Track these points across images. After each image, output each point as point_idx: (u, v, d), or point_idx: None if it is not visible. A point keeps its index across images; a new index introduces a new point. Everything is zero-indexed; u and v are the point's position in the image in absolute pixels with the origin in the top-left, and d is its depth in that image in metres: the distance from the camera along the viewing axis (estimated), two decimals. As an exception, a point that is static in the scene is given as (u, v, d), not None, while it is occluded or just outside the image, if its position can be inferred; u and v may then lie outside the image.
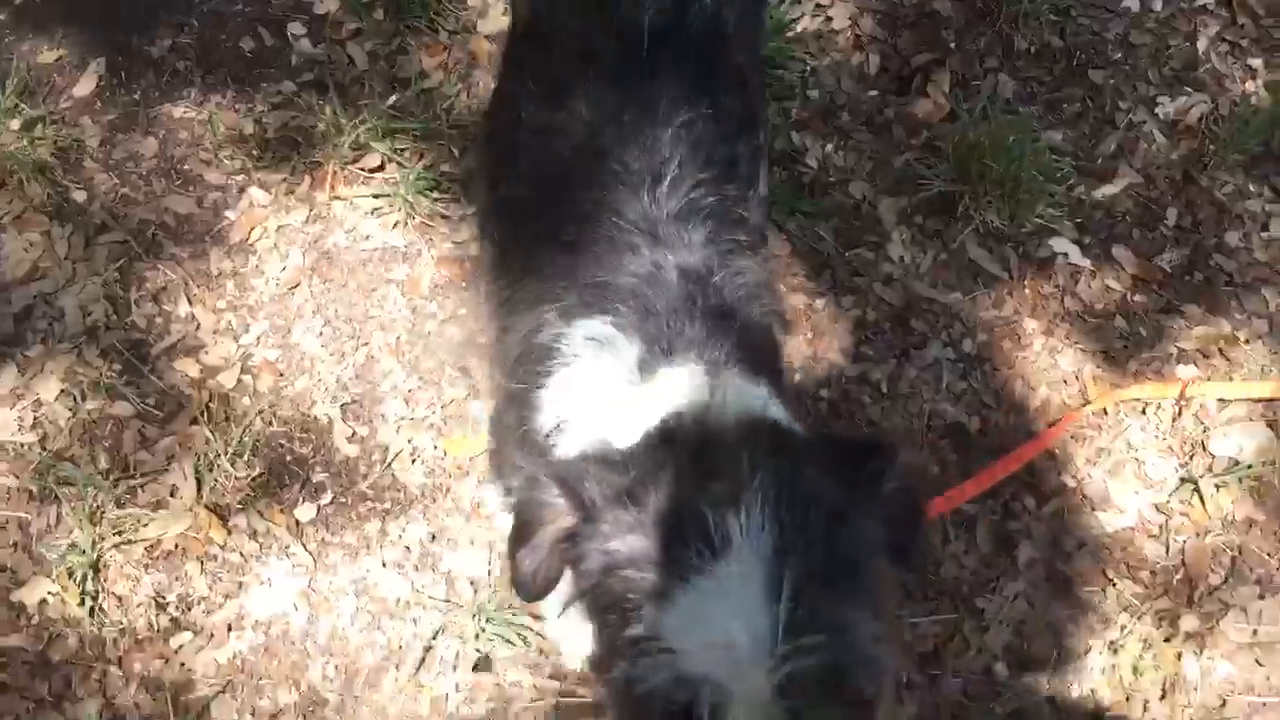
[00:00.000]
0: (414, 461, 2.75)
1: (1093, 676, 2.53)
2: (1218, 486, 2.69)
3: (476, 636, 2.56)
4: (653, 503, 1.36)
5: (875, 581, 1.39)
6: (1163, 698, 2.50)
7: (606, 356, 1.69)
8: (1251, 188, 3.08)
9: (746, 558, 1.27)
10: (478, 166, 2.47)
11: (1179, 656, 2.52)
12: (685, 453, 1.42)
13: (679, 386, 1.60)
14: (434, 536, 2.67)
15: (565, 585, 1.53)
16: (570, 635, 2.40)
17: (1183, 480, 2.71)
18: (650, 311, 1.71)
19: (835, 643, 1.24)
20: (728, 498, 1.30)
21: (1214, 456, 2.73)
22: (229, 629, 2.56)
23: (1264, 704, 2.49)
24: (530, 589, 1.51)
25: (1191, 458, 2.74)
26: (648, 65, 1.93)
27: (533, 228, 1.97)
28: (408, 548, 2.66)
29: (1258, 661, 2.55)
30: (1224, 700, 2.51)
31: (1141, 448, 2.74)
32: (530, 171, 2.01)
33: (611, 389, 1.67)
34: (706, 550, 1.27)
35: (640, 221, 1.80)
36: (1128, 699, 2.50)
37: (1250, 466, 2.69)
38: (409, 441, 2.77)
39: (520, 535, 1.48)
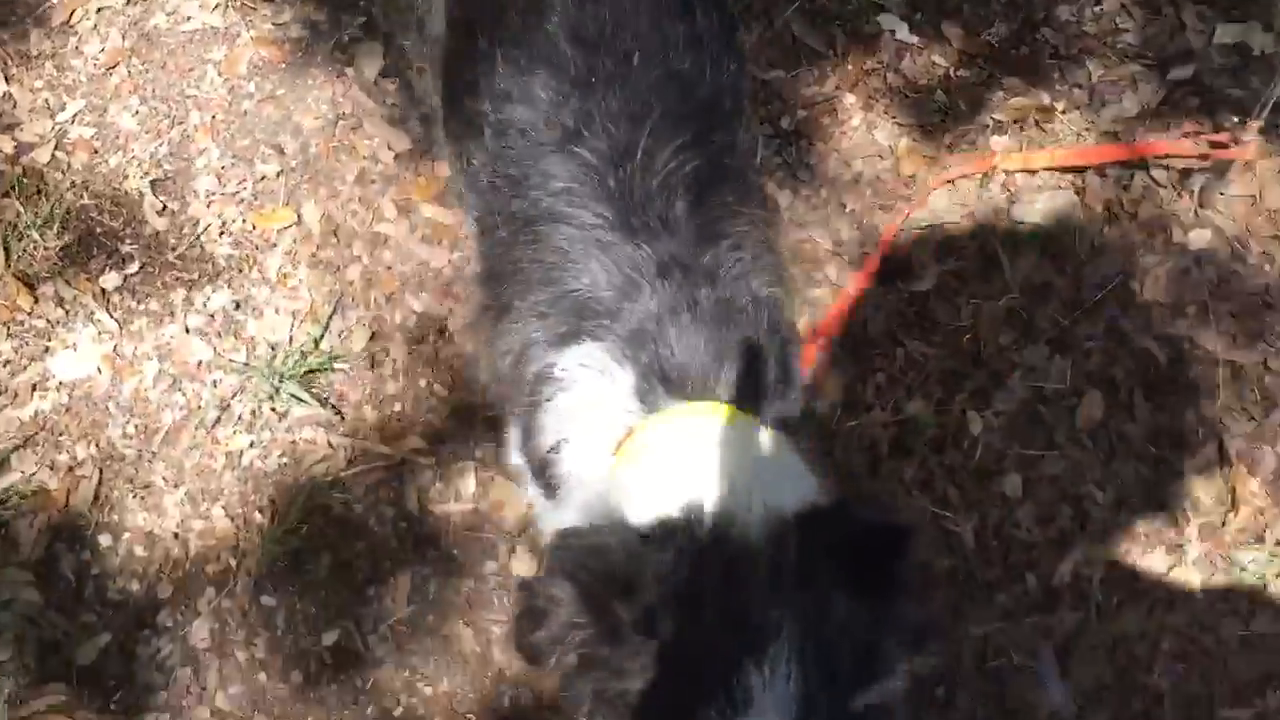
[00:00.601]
0: (222, 234, 2.78)
1: (873, 431, 2.55)
2: (1017, 252, 2.67)
3: (272, 397, 2.59)
4: (677, 640, 1.24)
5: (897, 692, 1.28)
6: (941, 451, 2.52)
7: (604, 382, 1.54)
8: (1088, -40, 2.99)
9: (769, 715, 1.18)
10: (444, 128, 2.14)
11: (964, 413, 2.53)
12: (714, 582, 1.27)
13: (690, 439, 1.45)
14: (238, 305, 2.71)
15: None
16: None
17: (982, 249, 2.69)
18: (638, 331, 1.53)
19: None
20: (754, 649, 1.20)
21: (1017, 224, 2.70)
22: (32, 389, 2.63)
23: (1042, 457, 2.51)
24: (544, 666, 1.34)
25: (995, 226, 2.72)
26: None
27: (507, 220, 1.74)
28: (212, 315, 2.71)
29: (1041, 420, 2.56)
30: (1003, 455, 2.53)
31: (946, 215, 2.72)
32: (496, 153, 1.76)
33: (613, 418, 1.52)
34: (729, 708, 1.18)
35: (609, 208, 1.60)
36: (908, 453, 2.52)
37: (1049, 231, 2.66)
38: (218, 216, 2.80)
39: (532, 626, 1.32)
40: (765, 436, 1.48)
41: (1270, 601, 2.42)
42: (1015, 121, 2.84)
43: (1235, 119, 2.73)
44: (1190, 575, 2.45)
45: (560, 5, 1.70)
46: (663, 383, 1.50)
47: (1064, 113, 2.82)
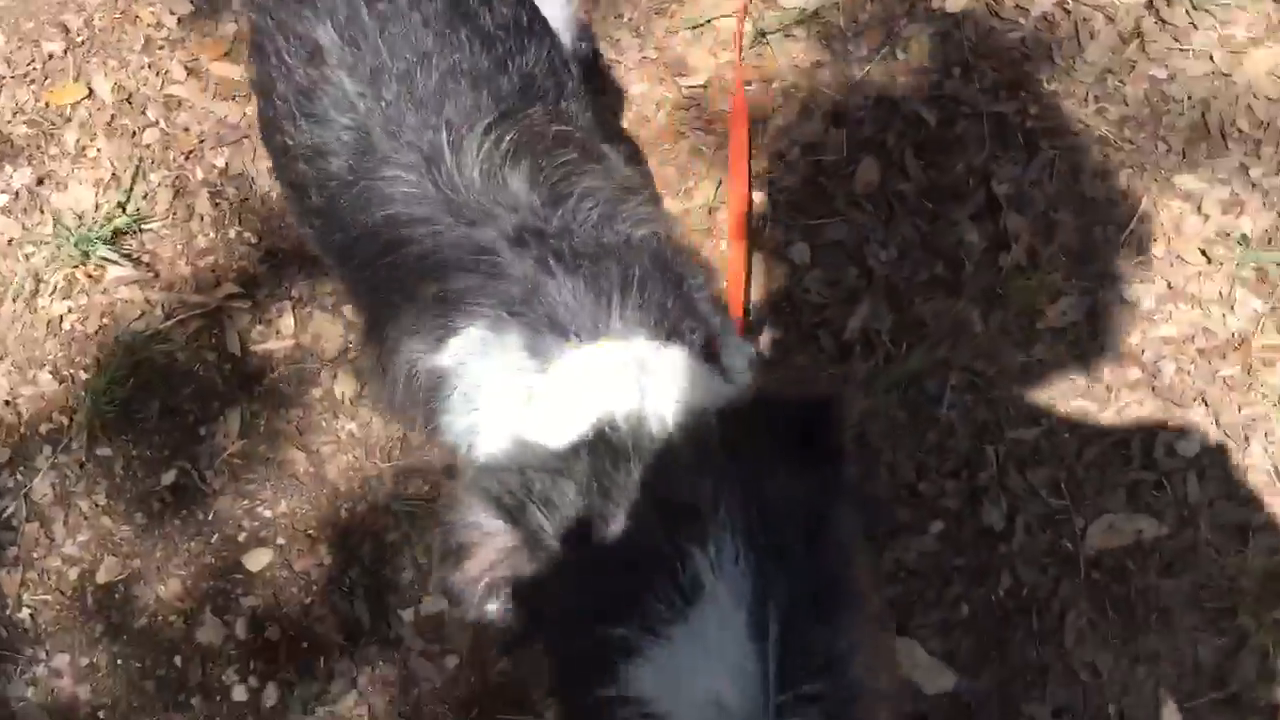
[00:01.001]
0: (16, 115, 2.82)
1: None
2: (786, 37, 2.77)
3: (84, 262, 2.66)
4: (609, 541, 1.17)
5: (860, 589, 1.20)
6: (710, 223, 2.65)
7: (492, 358, 1.45)
8: None
9: (723, 600, 1.09)
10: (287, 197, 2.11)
11: (750, 192, 2.65)
12: (635, 479, 1.21)
13: (593, 373, 1.37)
14: (40, 181, 2.76)
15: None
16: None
17: (757, 34, 2.79)
18: (510, 298, 1.45)
19: (834, 686, 1.09)
20: (693, 535, 1.11)
21: (784, 9, 2.81)
22: None
23: (825, 224, 2.64)
24: (474, 613, 1.28)
25: (764, 13, 2.82)
26: (376, 21, 1.66)
27: (350, 255, 1.71)
28: (15, 194, 2.76)
29: (823, 190, 2.69)
30: (790, 228, 2.66)
31: (714, 11, 2.82)
32: (323, 204, 1.73)
33: (514, 382, 1.43)
34: (678, 598, 1.09)
35: (443, 213, 1.54)
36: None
37: (816, 13, 2.77)
38: (11, 98, 2.83)
39: (455, 563, 1.25)
40: (672, 354, 1.41)
41: (1047, 327, 2.59)
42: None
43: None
44: (970, 312, 2.60)
45: (335, 51, 1.68)
46: (551, 332, 1.41)
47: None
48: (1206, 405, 2.51)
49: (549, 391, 1.40)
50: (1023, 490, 2.47)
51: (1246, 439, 2.47)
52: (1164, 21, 2.79)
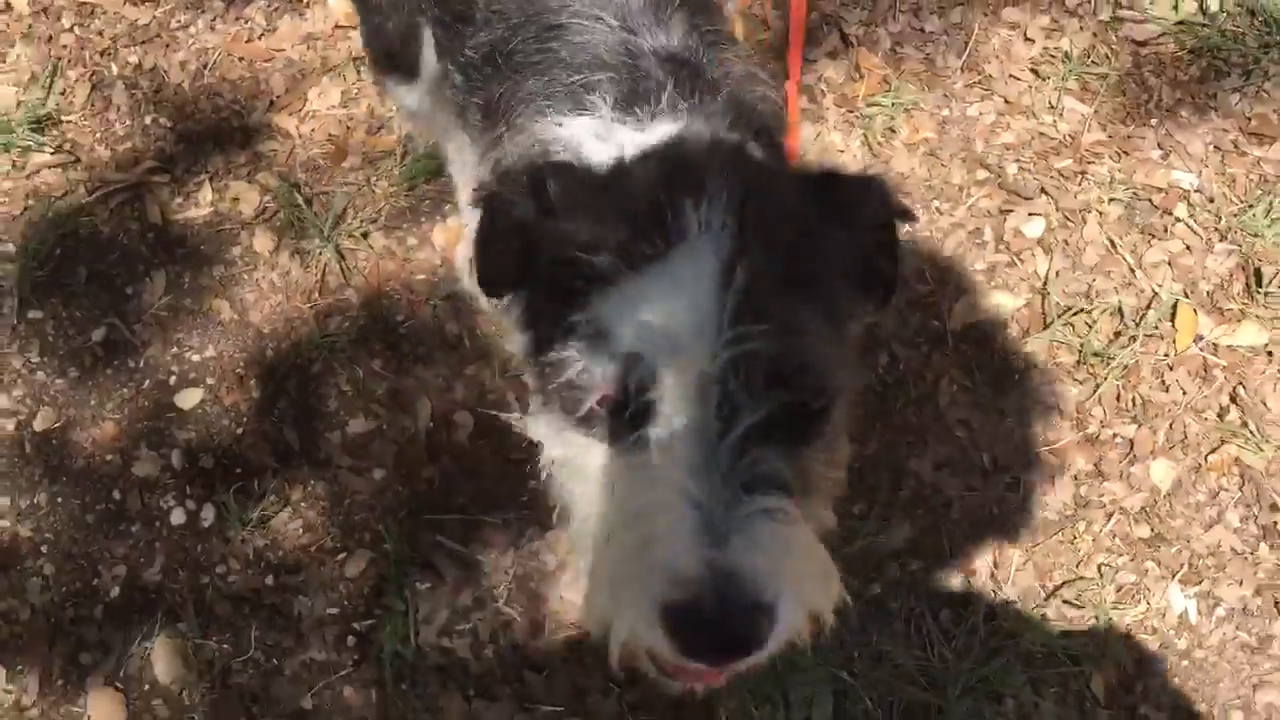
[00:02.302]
0: (-64, 30, 2.99)
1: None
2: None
3: (7, 151, 2.83)
4: (613, 196, 1.28)
5: (836, 297, 1.30)
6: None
7: (588, 115, 1.62)
8: None
9: (702, 250, 1.19)
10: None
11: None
12: (654, 161, 1.34)
13: (664, 132, 1.52)
14: (-37, 85, 2.93)
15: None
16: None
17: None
18: (630, 78, 1.61)
19: (784, 337, 1.17)
20: (690, 189, 1.22)
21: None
22: None
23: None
24: (492, 285, 1.45)
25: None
26: None
27: (505, 59, 1.80)
28: (-60, 97, 2.92)
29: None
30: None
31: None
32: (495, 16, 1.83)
33: (591, 128, 1.60)
34: (661, 239, 1.19)
35: (608, 16, 1.67)
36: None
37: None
38: (-69, 16, 3.01)
39: (484, 231, 1.40)
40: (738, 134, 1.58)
41: (903, 143, 2.89)
42: None
43: None
44: (833, 137, 2.89)
45: None
46: (646, 102, 1.58)
47: None
48: (1046, 194, 2.80)
49: (616, 135, 1.58)
50: (892, 279, 2.72)
51: (1083, 219, 2.77)
52: (981, -114, 3.14)
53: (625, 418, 1.20)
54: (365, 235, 2.76)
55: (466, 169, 2.07)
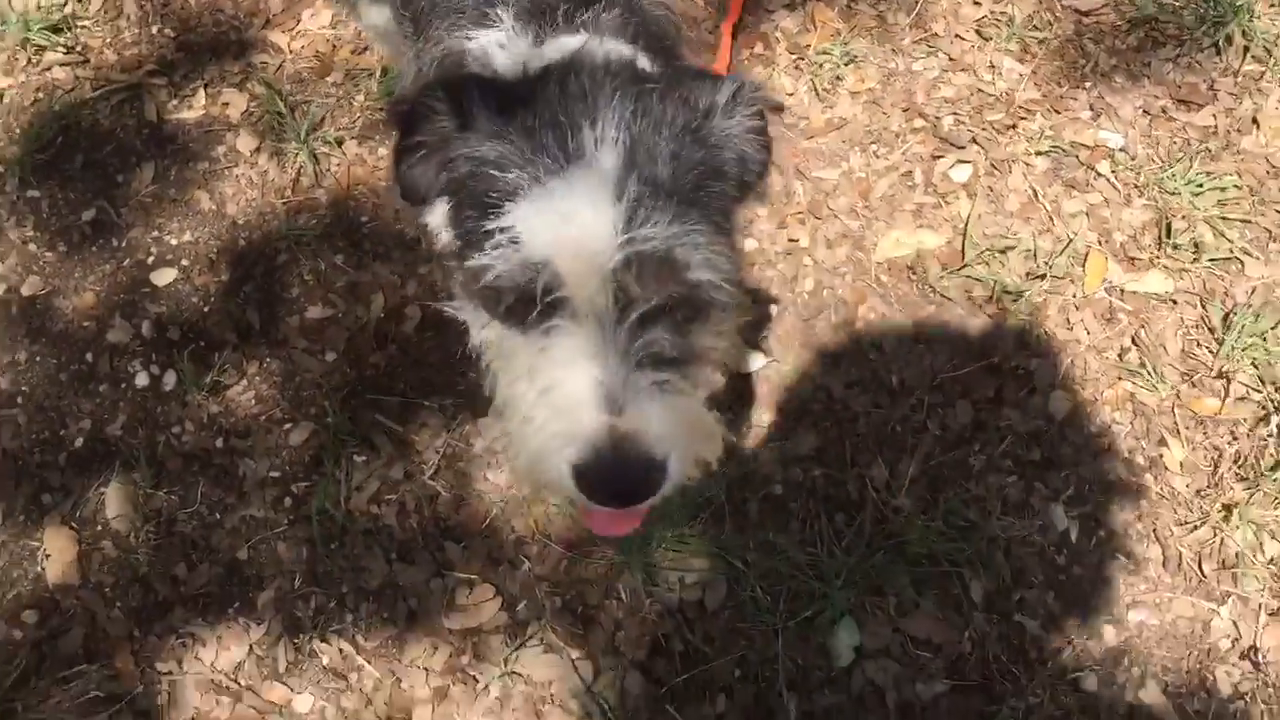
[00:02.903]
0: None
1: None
2: None
3: (24, 45, 3.11)
4: (520, 117, 1.46)
5: (715, 197, 1.49)
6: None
7: (494, 28, 1.80)
8: None
9: (597, 165, 1.39)
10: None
11: None
12: (554, 81, 1.50)
13: (563, 46, 1.67)
14: (-10, -12, 3.21)
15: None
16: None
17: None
18: (542, 9, 1.77)
19: (669, 238, 1.37)
20: (585, 113, 1.42)
21: None
22: None
23: None
24: (413, 194, 1.62)
25: None
26: None
27: None
28: (-33, -2, 3.20)
29: None
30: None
31: None
32: None
33: (496, 40, 1.78)
34: (562, 156, 1.40)
35: None
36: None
37: None
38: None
39: (404, 141, 1.58)
40: (630, 47, 1.74)
41: (847, 91, 3.07)
42: None
43: None
44: (783, 81, 3.08)
45: None
46: (550, 23, 1.74)
47: None
48: (977, 144, 2.97)
49: (523, 52, 1.75)
50: (825, 215, 2.91)
51: (1009, 168, 2.94)
52: None
53: (536, 313, 1.42)
54: (340, 143, 2.99)
55: (404, 80, 2.28)
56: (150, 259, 2.90)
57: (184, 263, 2.89)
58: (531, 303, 1.41)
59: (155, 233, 2.93)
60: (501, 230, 1.40)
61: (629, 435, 1.39)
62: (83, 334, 2.81)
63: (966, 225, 2.84)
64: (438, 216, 1.70)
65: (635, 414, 1.39)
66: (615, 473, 1.40)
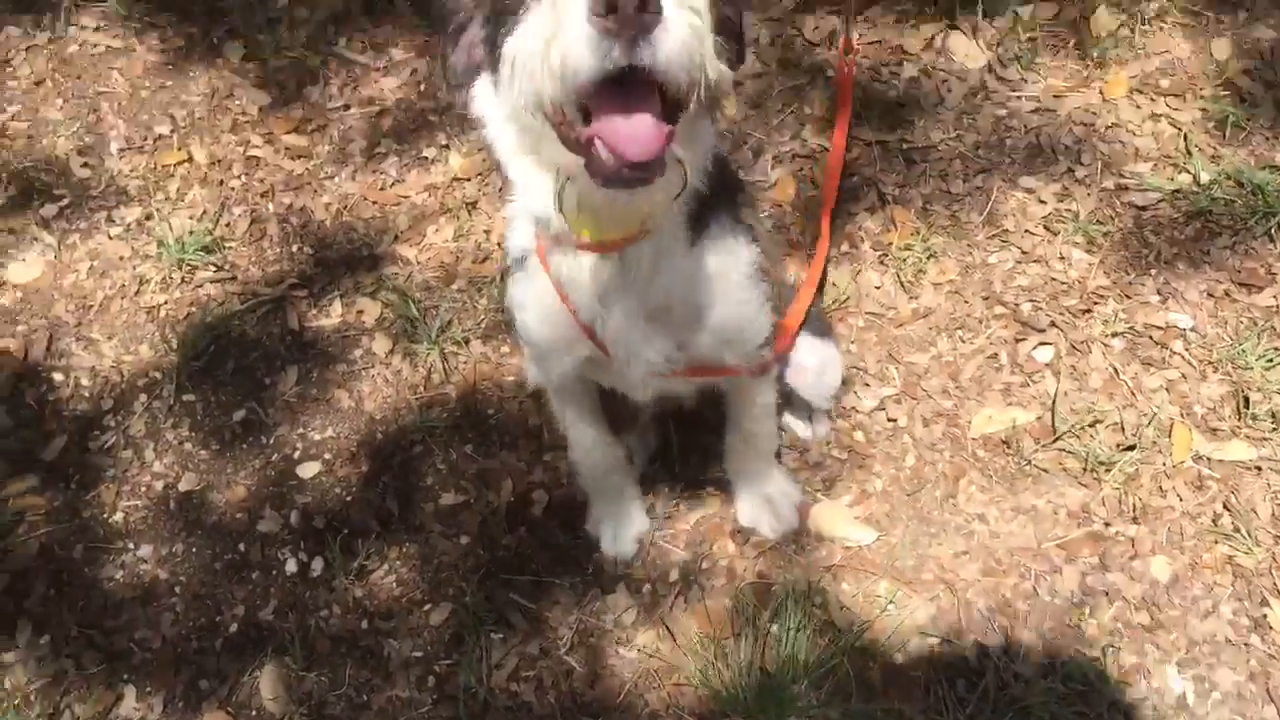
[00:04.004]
0: (131, 174, 3.70)
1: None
2: (719, 97, 3.71)
3: (179, 266, 3.47)
4: None
5: None
6: None
7: None
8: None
9: None
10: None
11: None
12: None
13: None
14: (148, 216, 3.61)
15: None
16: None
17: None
18: None
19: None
20: None
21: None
22: (-8, 291, 3.46)
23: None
24: (454, 77, 1.80)
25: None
26: None
27: None
28: (128, 226, 3.60)
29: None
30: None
31: None
32: None
33: None
34: None
35: None
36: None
37: (750, 82, 3.71)
38: (128, 164, 3.73)
39: (443, 26, 1.79)
40: None
41: (930, 282, 3.36)
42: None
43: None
44: (870, 275, 3.38)
45: None
46: None
47: None
48: (1056, 327, 3.23)
49: None
50: (920, 395, 3.15)
51: (1089, 349, 3.18)
52: (1002, 79, 3.73)
53: None
54: (466, 342, 3.27)
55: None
56: (296, 454, 3.14)
57: (327, 456, 3.13)
58: None
59: (300, 430, 3.18)
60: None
61: None
62: (235, 525, 3.03)
63: (1054, 402, 3.05)
64: (483, 90, 1.80)
65: None
66: None
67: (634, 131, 1.47)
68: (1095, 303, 3.24)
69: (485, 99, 1.86)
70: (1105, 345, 3.16)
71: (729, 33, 1.64)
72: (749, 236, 2.24)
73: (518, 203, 1.95)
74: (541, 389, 2.65)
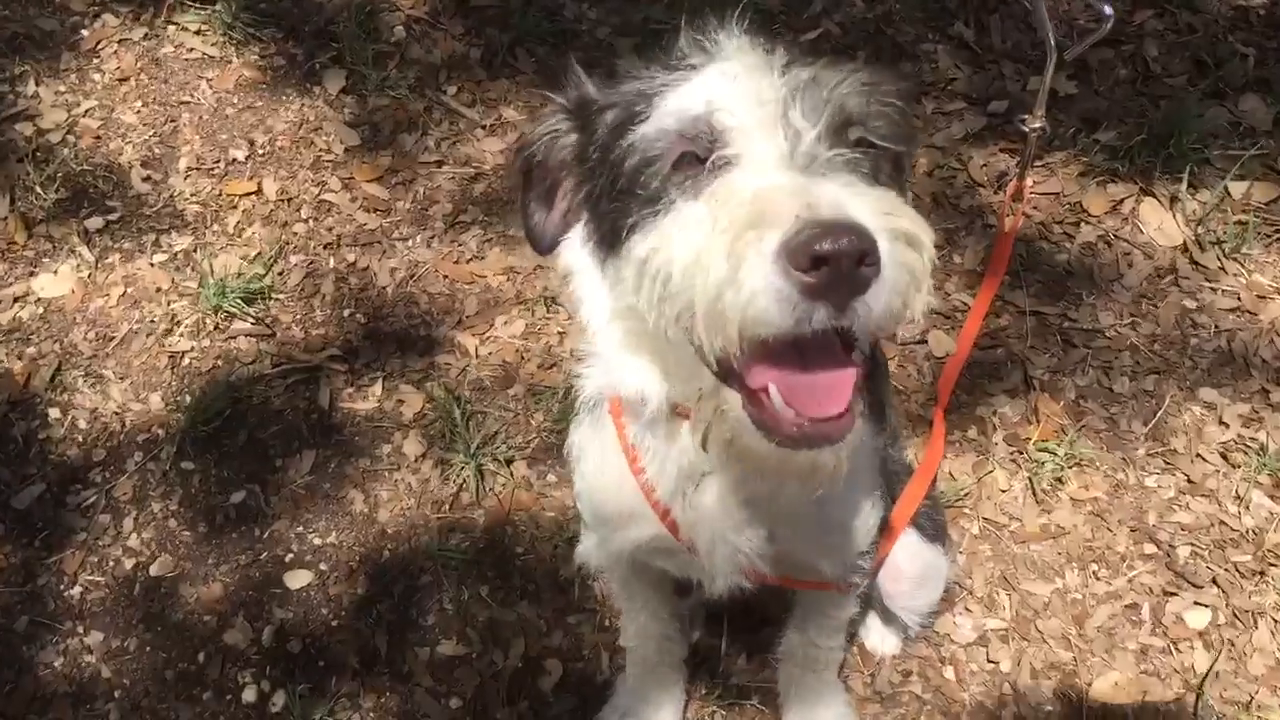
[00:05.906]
0: (193, 197, 3.33)
1: None
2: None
3: (215, 311, 3.07)
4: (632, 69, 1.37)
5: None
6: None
7: None
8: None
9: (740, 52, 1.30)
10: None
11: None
12: None
13: None
14: (198, 248, 3.24)
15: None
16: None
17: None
18: None
19: (830, 77, 1.28)
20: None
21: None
22: (14, 300, 3.11)
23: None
24: (542, 240, 1.54)
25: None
26: None
27: None
28: (174, 254, 3.22)
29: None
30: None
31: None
32: None
33: None
34: (703, 58, 1.32)
35: None
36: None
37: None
38: (192, 185, 3.37)
39: (526, 180, 1.51)
40: None
41: (1069, 496, 2.77)
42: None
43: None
44: (997, 475, 2.80)
45: None
46: None
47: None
48: (1218, 586, 2.60)
49: None
50: (1032, 637, 2.55)
51: (1255, 622, 2.54)
52: (1196, 263, 3.13)
53: (704, 171, 1.24)
54: (509, 461, 2.79)
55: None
56: (289, 557, 2.69)
57: (322, 566, 2.67)
58: (696, 162, 1.24)
59: (300, 528, 2.73)
60: (650, 116, 1.29)
61: (831, 205, 1.11)
62: (201, 629, 2.58)
63: (1202, 684, 2.43)
64: (572, 244, 1.52)
65: (832, 196, 1.13)
66: (825, 230, 1.07)
67: (822, 386, 1.21)
68: (1272, 564, 2.61)
69: (576, 256, 1.51)
70: (1277, 621, 2.51)
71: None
72: (882, 419, 1.88)
73: (598, 375, 1.56)
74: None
